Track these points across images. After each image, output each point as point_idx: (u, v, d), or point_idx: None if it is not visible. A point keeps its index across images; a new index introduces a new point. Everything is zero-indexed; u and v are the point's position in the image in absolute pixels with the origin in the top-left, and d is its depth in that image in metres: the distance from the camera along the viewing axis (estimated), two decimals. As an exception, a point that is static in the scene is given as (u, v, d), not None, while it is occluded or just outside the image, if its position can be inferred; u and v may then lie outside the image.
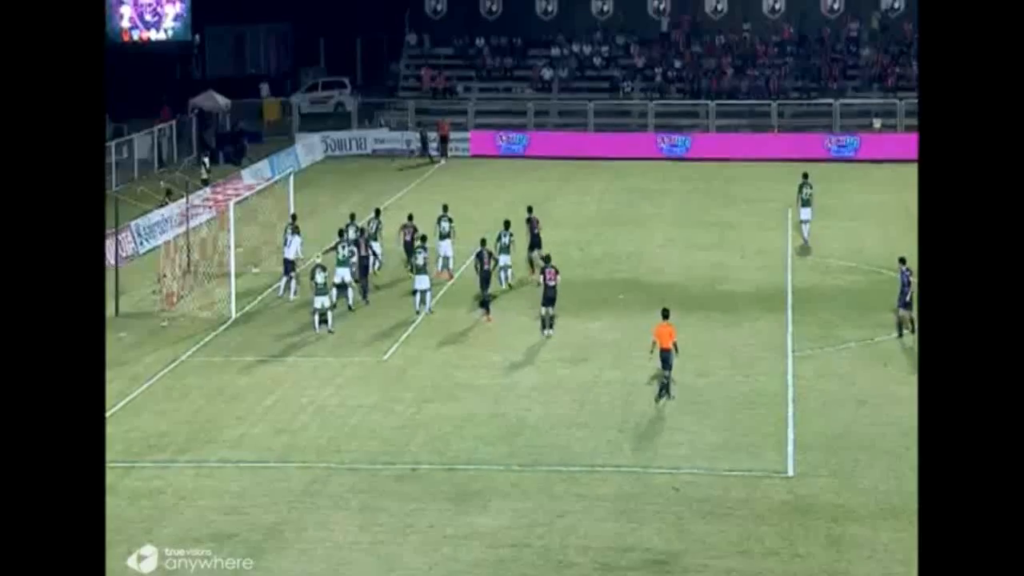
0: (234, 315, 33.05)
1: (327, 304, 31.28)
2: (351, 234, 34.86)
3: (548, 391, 27.40)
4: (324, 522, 21.16)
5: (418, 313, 32.78)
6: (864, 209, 45.14)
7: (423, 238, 34.54)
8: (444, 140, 57.42)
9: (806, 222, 40.46)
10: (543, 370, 28.77)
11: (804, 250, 39.96)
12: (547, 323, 31.03)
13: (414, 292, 33.11)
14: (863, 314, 32.51)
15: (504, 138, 58.54)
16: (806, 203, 40.41)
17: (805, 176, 41.69)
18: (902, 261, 30.47)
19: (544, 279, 31.03)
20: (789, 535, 20.48)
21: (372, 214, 37.80)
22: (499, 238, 34.84)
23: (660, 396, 26.28)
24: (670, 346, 26.28)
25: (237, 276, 34.14)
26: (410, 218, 37.29)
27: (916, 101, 57.66)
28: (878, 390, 27.20)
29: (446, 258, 36.14)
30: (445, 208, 37.85)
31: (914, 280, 29.65)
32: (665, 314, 27.04)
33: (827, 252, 39.43)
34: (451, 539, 20.48)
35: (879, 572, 19.28)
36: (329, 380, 28.29)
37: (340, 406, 26.68)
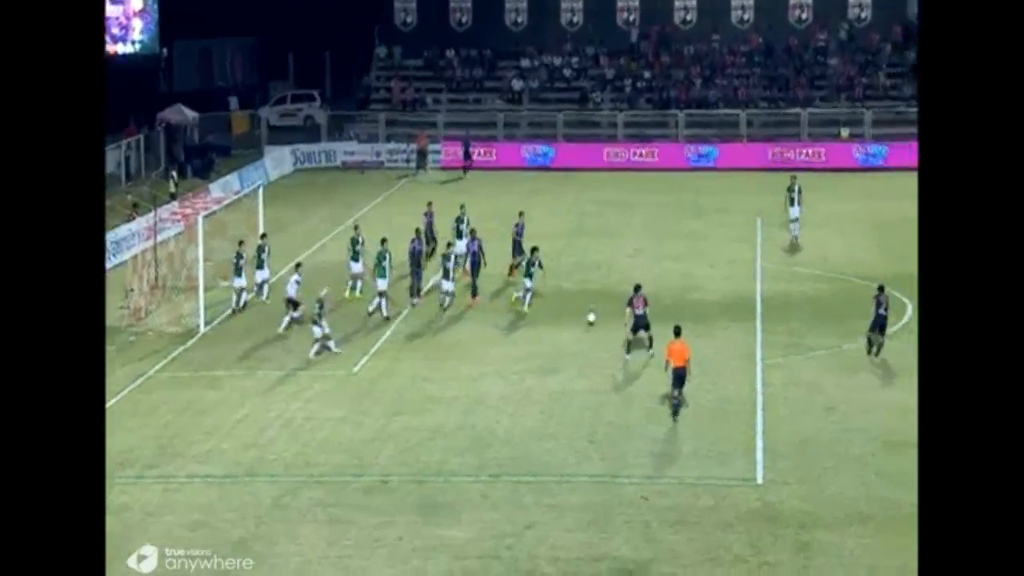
0: (202, 329, 32.97)
1: (319, 334, 30.44)
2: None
3: (517, 402, 27.44)
4: (292, 536, 21.13)
5: (444, 310, 34.12)
6: (831, 218, 45.22)
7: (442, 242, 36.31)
8: (422, 154, 57.35)
9: (795, 221, 41.26)
10: (512, 381, 28.79)
11: (794, 248, 40.57)
12: (644, 345, 30.03)
13: (444, 293, 34.26)
14: (830, 322, 32.71)
15: (530, 150, 58.66)
16: (793, 202, 41.33)
17: (793, 177, 42.78)
18: (880, 289, 30.56)
19: (633, 309, 30.06)
20: (758, 543, 20.57)
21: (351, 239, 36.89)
22: (529, 261, 34.74)
23: (676, 415, 26.01)
24: (684, 364, 26.08)
25: (206, 290, 34.03)
26: (429, 204, 40.30)
27: (883, 110, 58.45)
28: (845, 398, 27.38)
29: (460, 255, 36.45)
30: (462, 207, 39.38)
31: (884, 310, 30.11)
32: (677, 331, 26.85)
33: (794, 260, 39.69)
34: (420, 551, 20.48)
35: (847, 578, 19.45)
36: (298, 394, 28.24)
37: (309, 419, 26.64)
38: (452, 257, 34.68)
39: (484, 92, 64.47)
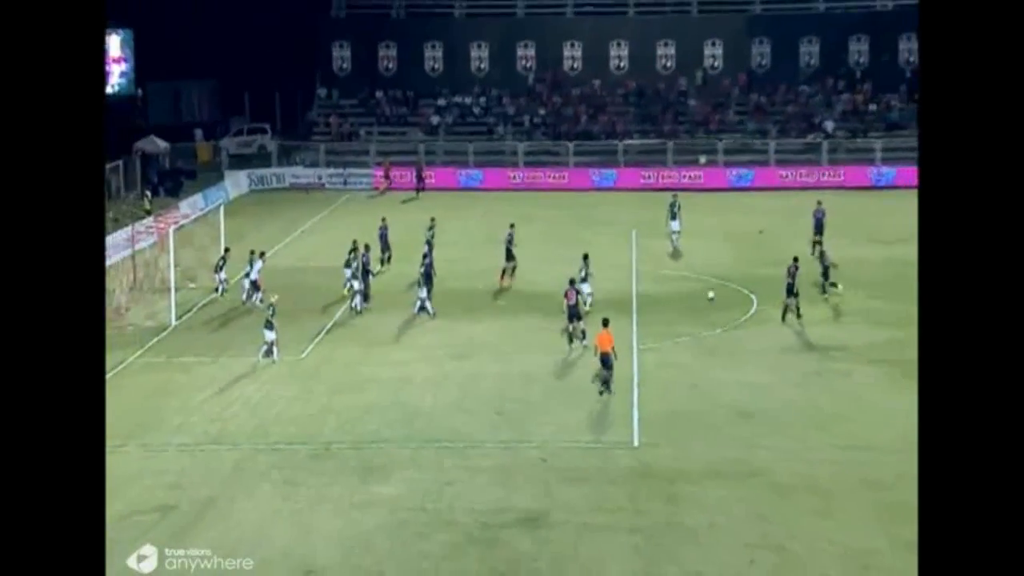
0: (173, 323, 32.45)
1: (273, 338, 28.93)
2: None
3: (439, 382, 27.35)
4: (251, 494, 20.93)
5: (416, 315, 32.65)
6: (698, 230, 45.42)
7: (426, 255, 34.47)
8: (387, 176, 56.93)
9: (675, 232, 41.46)
10: (434, 365, 28.66)
11: (675, 255, 40.69)
12: (577, 336, 29.17)
13: (419, 299, 32.97)
14: (693, 315, 33.03)
15: (464, 174, 58.36)
16: (674, 216, 41.56)
17: (675, 195, 43.14)
18: (795, 260, 32.14)
19: (566, 299, 29.58)
20: (635, 495, 20.72)
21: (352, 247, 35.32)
22: (580, 270, 33.16)
23: (602, 391, 25.82)
24: (609, 350, 25.91)
25: (176, 291, 33.53)
26: (383, 219, 39.72)
27: (732, 141, 59.19)
28: (705, 376, 27.62)
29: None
30: (432, 220, 39.24)
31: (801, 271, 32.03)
32: (605, 323, 26.72)
33: (664, 265, 39.97)
34: (359, 506, 20.38)
35: (706, 522, 19.62)
36: (255, 376, 27.91)
37: (264, 398, 26.36)
38: (425, 266, 33.80)
39: (407, 126, 64.16)
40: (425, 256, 34.43)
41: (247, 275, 34.48)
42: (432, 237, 37.53)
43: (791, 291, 31.55)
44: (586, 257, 33.47)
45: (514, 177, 58.22)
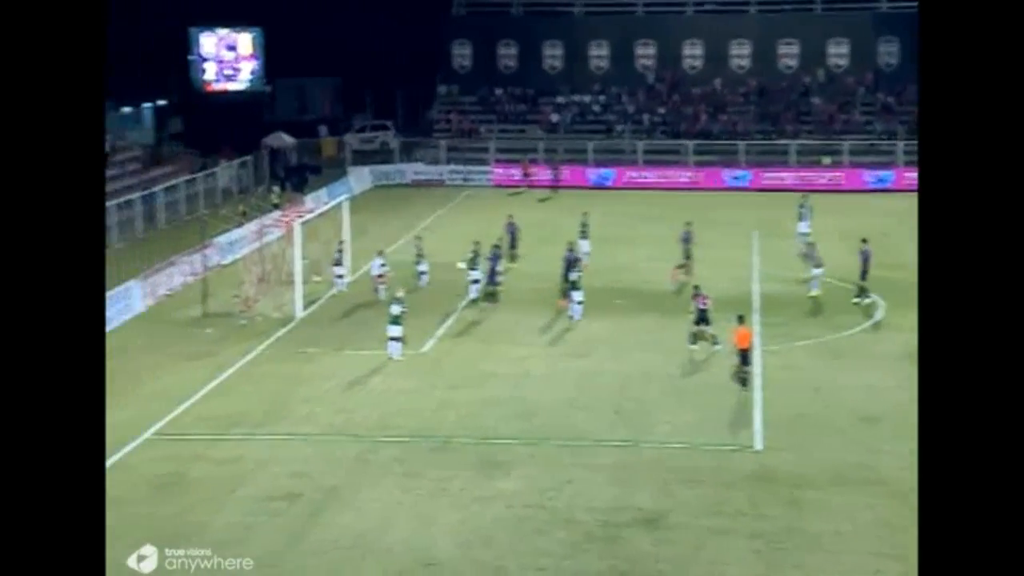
0: (299, 315, 33.03)
1: (398, 334, 28.83)
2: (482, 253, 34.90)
3: (557, 379, 27.30)
4: (374, 485, 21.13)
5: (571, 318, 32.17)
6: (818, 232, 44.56)
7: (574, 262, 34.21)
8: (527, 175, 57.28)
9: (802, 234, 40.75)
10: (552, 362, 28.64)
11: (806, 257, 39.96)
12: (707, 339, 28.99)
13: (579, 303, 32.33)
14: (816, 317, 32.40)
15: (595, 172, 58.35)
16: (802, 218, 40.91)
17: (804, 196, 42.60)
18: (864, 241, 33.33)
19: (697, 303, 29.39)
20: (756, 499, 20.38)
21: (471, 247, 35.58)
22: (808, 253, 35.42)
23: (742, 387, 25.71)
24: (747, 345, 25.96)
25: (303, 283, 34.11)
26: (510, 216, 40.10)
27: (857, 142, 57.85)
28: (829, 379, 27.07)
29: (586, 253, 37.74)
30: (585, 214, 40.29)
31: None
32: (740, 319, 26.84)
33: (785, 266, 39.20)
34: (478, 500, 20.43)
35: (831, 529, 19.20)
36: (378, 369, 28.21)
37: (387, 390, 26.63)
38: (575, 261, 33.67)
39: (527, 124, 64.29)
40: (571, 250, 34.65)
41: (376, 272, 35.25)
42: (585, 229, 38.53)
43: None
44: (813, 244, 35.22)
45: (642, 176, 57.83)
